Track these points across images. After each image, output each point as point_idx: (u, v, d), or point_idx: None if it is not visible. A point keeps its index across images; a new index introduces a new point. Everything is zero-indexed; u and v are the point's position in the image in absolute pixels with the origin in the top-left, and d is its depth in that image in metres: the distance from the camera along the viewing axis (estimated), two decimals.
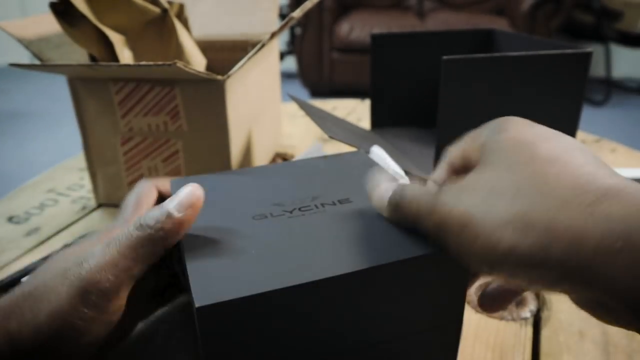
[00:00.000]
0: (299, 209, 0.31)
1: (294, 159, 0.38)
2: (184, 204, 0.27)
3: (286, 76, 3.46)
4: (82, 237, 0.54)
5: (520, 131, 0.25)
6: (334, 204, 0.31)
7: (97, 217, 0.63)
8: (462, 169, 0.28)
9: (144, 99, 0.57)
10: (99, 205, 0.66)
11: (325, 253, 0.26)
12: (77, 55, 0.62)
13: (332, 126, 0.58)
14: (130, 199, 0.33)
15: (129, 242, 0.26)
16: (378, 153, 0.39)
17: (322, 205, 0.31)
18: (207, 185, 0.34)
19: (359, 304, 0.26)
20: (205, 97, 0.56)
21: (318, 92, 3.05)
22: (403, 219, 0.27)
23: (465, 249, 0.23)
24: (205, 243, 0.28)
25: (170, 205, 0.27)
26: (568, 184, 0.21)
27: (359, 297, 0.26)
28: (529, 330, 0.43)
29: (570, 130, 0.57)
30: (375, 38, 0.70)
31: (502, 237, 0.21)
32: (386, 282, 0.26)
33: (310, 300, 0.25)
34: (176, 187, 0.34)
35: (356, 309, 0.26)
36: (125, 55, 0.59)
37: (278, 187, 0.34)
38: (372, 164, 0.38)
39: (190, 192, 0.27)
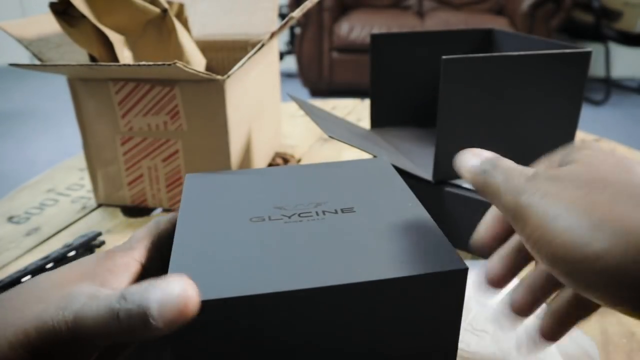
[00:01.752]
0: (299, 215, 0.30)
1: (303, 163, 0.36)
2: (166, 314, 0.20)
3: (286, 76, 3.46)
4: (82, 236, 0.54)
5: (599, 148, 0.24)
6: (335, 212, 0.30)
7: (97, 217, 0.63)
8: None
9: (143, 99, 0.57)
10: (99, 205, 0.66)
11: (313, 263, 0.25)
12: (77, 55, 0.62)
13: (332, 126, 0.58)
14: (141, 229, 0.30)
15: (93, 320, 0.22)
16: None
17: (324, 212, 0.30)
18: (213, 183, 0.34)
19: (340, 319, 0.25)
20: (205, 97, 0.56)
21: (318, 91, 3.05)
22: (485, 188, 0.26)
23: (544, 243, 0.21)
24: (193, 241, 0.27)
25: (154, 302, 0.21)
26: None
27: (340, 312, 0.25)
28: None
29: (570, 130, 0.57)
30: (374, 38, 0.70)
31: (592, 239, 0.19)
32: (375, 299, 0.25)
33: (286, 311, 0.24)
34: (191, 183, 0.34)
35: (337, 325, 0.25)
36: (125, 55, 0.59)
37: (282, 190, 0.33)
38: (387, 174, 0.36)
39: (182, 301, 0.20)
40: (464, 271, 0.25)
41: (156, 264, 0.29)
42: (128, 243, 0.29)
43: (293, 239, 0.27)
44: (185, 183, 0.34)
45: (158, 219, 0.31)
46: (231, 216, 0.30)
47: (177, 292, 0.21)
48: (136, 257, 0.27)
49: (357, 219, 0.30)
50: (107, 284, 0.25)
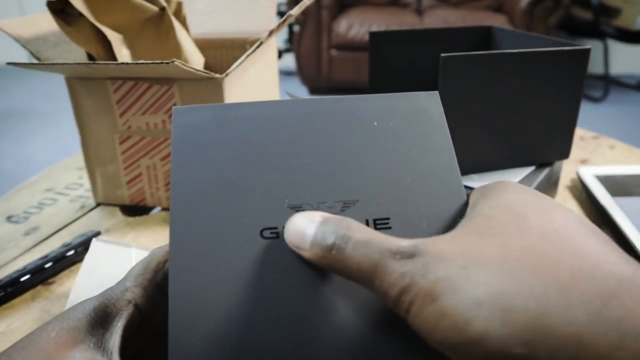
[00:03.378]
0: None
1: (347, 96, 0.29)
2: None
3: (285, 74, 3.46)
4: (81, 235, 0.54)
5: (513, 199, 0.22)
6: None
7: (96, 216, 0.63)
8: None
9: (142, 98, 0.57)
10: (98, 204, 0.66)
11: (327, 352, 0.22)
12: (75, 54, 0.62)
13: None
14: (138, 264, 0.28)
15: None
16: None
17: None
18: (213, 136, 0.28)
19: None
20: (204, 95, 0.56)
21: (317, 89, 3.05)
22: (341, 270, 0.21)
23: (429, 327, 0.19)
24: (192, 282, 0.24)
25: None
26: (566, 267, 0.18)
27: None
28: None
29: (569, 127, 0.57)
30: (373, 35, 0.69)
31: (473, 319, 0.18)
32: None
33: None
34: (179, 118, 0.29)
35: None
36: (123, 54, 0.59)
37: (300, 165, 0.26)
38: (434, 134, 0.28)
39: None
40: None
41: (154, 300, 0.27)
42: (123, 281, 0.27)
43: (311, 294, 0.23)
44: (174, 128, 0.28)
45: (155, 252, 0.29)
46: (239, 220, 0.25)
47: None
48: (130, 297, 0.26)
49: None
50: (102, 342, 0.24)
